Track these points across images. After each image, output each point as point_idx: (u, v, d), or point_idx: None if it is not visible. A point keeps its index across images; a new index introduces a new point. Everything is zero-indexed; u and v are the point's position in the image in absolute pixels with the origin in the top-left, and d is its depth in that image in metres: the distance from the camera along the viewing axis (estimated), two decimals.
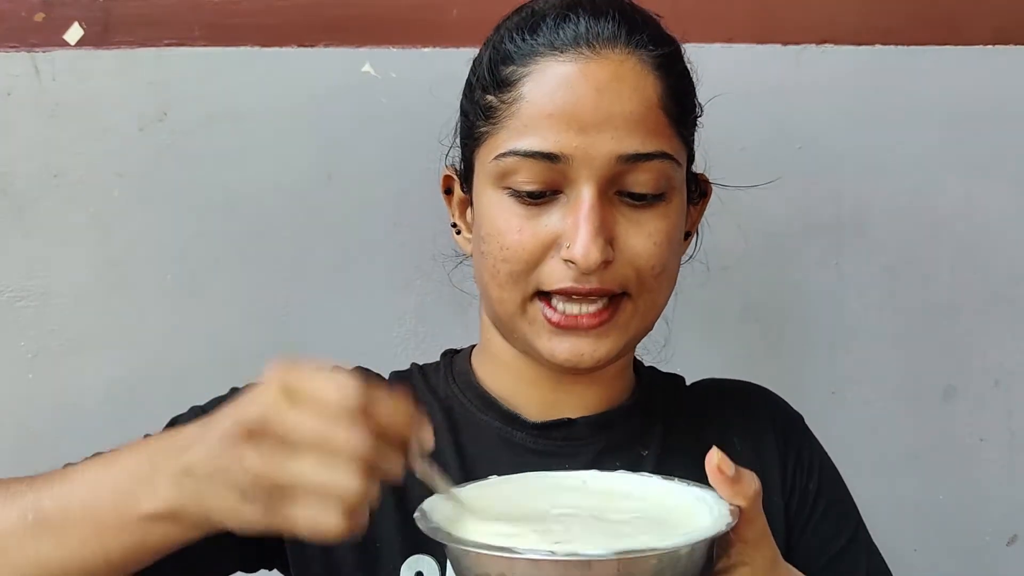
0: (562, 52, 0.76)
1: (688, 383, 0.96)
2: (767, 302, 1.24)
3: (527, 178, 0.76)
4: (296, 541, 0.82)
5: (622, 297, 0.79)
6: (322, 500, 0.56)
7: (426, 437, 0.61)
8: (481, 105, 0.80)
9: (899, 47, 1.22)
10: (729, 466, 0.63)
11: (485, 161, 0.79)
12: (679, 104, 0.80)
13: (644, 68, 0.77)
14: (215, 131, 1.15)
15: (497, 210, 0.78)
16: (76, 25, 1.13)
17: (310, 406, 0.57)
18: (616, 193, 0.78)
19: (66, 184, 1.14)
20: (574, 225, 0.75)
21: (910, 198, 1.24)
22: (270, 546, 0.82)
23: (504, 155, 0.77)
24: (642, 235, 0.78)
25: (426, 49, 1.16)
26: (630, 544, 0.59)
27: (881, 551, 0.92)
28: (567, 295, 0.77)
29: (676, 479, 0.69)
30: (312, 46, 1.16)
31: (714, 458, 0.64)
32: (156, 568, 0.74)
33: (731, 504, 0.63)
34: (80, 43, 1.13)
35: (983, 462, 1.28)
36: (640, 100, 0.76)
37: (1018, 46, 1.23)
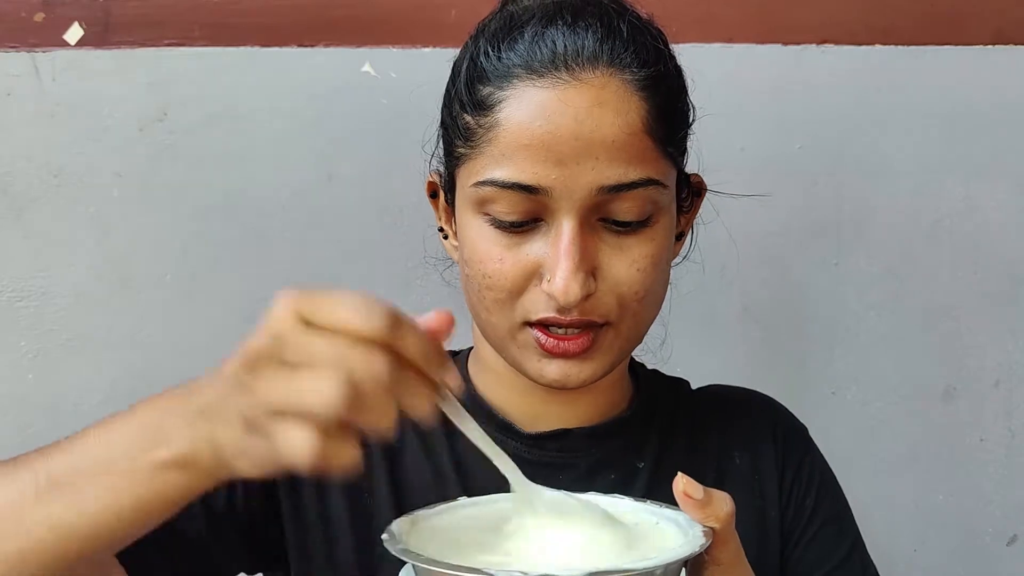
0: (540, 76, 0.73)
1: (692, 386, 0.95)
2: (767, 302, 1.24)
3: (506, 208, 0.74)
4: (297, 542, 0.82)
5: (603, 326, 0.77)
6: (302, 414, 0.52)
7: (452, 379, 0.56)
8: (459, 124, 0.77)
9: (899, 47, 1.22)
10: (697, 490, 0.63)
11: (465, 185, 0.77)
12: (667, 122, 0.76)
13: (627, 90, 0.73)
14: (215, 131, 1.15)
15: (478, 236, 0.76)
16: (76, 25, 1.13)
17: (328, 331, 0.53)
18: (599, 219, 0.75)
19: (66, 184, 1.14)
20: (554, 258, 0.73)
21: (910, 198, 1.24)
22: (273, 547, 0.82)
23: (482, 183, 0.75)
24: (626, 262, 0.75)
25: (426, 49, 1.16)
26: (601, 565, 0.58)
27: (881, 551, 0.92)
28: (549, 325, 0.76)
29: (648, 501, 0.68)
30: (312, 46, 1.16)
31: (680, 484, 0.63)
32: (160, 567, 0.74)
33: (704, 526, 0.63)
34: (80, 43, 1.13)
35: (983, 462, 1.28)
36: (623, 126, 0.73)
37: (1018, 46, 1.23)
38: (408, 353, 0.54)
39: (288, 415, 0.52)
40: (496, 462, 0.63)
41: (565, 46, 0.73)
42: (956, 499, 1.28)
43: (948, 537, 1.28)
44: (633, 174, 0.73)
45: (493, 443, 0.63)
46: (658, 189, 0.75)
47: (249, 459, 0.55)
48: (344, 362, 0.52)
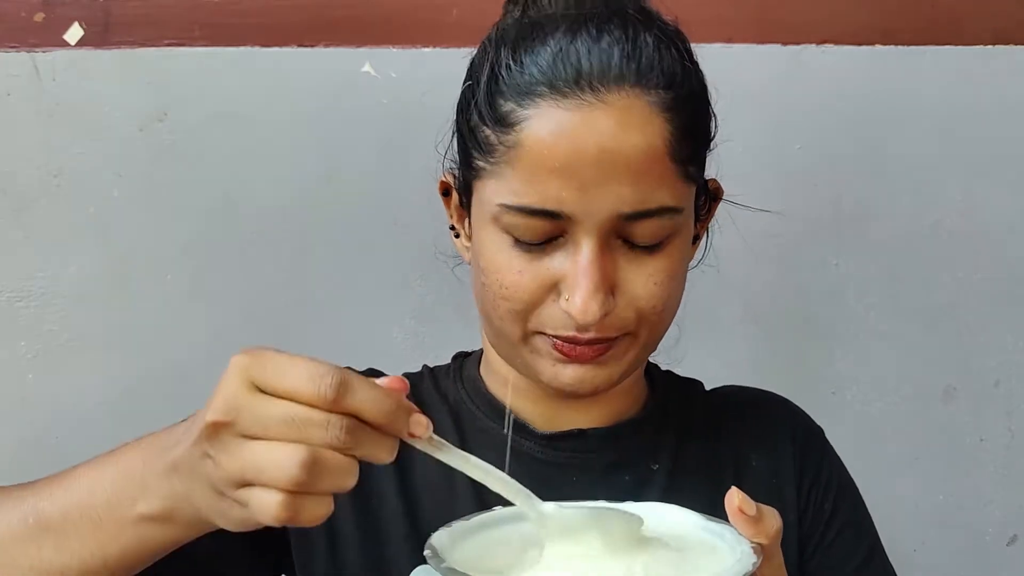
0: (563, 96, 0.71)
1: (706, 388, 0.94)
2: (767, 302, 1.24)
3: (527, 232, 0.74)
4: (301, 546, 0.81)
5: (621, 336, 0.77)
6: (265, 484, 0.54)
7: (418, 428, 0.57)
8: (479, 136, 0.76)
9: (899, 47, 1.22)
10: (751, 506, 0.62)
11: (483, 199, 0.77)
12: (690, 142, 0.75)
13: (651, 112, 0.72)
14: (215, 131, 1.15)
15: (496, 249, 0.76)
16: (76, 25, 1.13)
17: (277, 397, 0.54)
18: (618, 237, 0.75)
19: (66, 184, 1.14)
20: (574, 277, 0.73)
21: (910, 198, 1.24)
22: (277, 550, 0.82)
23: (503, 206, 0.74)
24: (643, 276, 0.75)
25: (426, 49, 1.16)
26: None
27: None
28: (566, 341, 0.76)
29: (692, 512, 0.67)
30: (312, 46, 1.16)
31: (735, 500, 0.62)
32: (165, 574, 0.74)
33: (753, 542, 0.61)
34: (80, 43, 1.13)
35: (983, 462, 1.28)
36: (645, 149, 0.72)
37: (1018, 46, 1.24)
38: (365, 416, 0.55)
39: (254, 484, 0.54)
40: (507, 493, 0.62)
41: (590, 64, 0.72)
42: (956, 499, 1.28)
43: (948, 537, 1.28)
44: (653, 201, 0.73)
45: (495, 471, 0.61)
46: (676, 214, 0.75)
47: (226, 519, 0.58)
48: (301, 433, 0.53)
